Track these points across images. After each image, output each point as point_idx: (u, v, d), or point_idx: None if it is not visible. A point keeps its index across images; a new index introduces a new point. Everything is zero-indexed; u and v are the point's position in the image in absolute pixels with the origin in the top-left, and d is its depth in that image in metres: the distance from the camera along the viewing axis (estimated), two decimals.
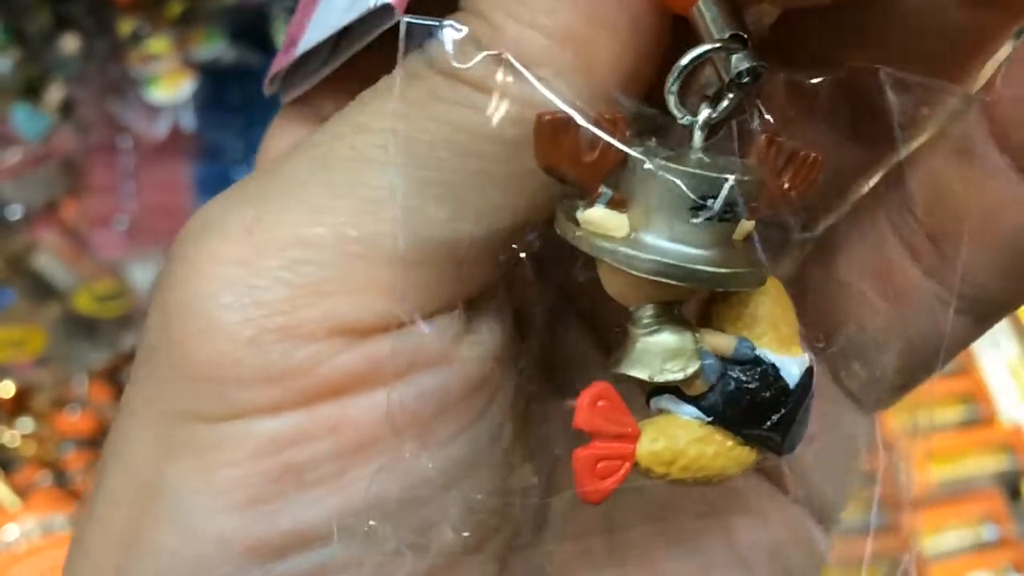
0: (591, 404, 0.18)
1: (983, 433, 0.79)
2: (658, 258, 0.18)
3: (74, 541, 0.20)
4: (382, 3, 0.19)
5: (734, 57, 0.18)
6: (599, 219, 0.18)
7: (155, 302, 0.19)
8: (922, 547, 0.74)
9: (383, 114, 0.18)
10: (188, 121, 0.84)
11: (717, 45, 0.18)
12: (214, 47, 0.82)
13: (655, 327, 0.19)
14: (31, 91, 0.83)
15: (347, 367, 0.19)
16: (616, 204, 0.18)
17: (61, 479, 0.80)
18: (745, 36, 0.18)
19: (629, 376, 0.19)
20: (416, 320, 0.19)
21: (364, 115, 0.19)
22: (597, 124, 0.17)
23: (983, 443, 0.79)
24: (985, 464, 0.78)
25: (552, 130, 0.17)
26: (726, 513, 0.25)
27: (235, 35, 0.82)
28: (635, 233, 0.18)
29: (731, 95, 0.18)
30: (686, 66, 0.18)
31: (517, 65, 0.17)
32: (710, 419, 0.19)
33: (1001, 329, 0.85)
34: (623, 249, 0.18)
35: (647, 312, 0.19)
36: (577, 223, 0.18)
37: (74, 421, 0.86)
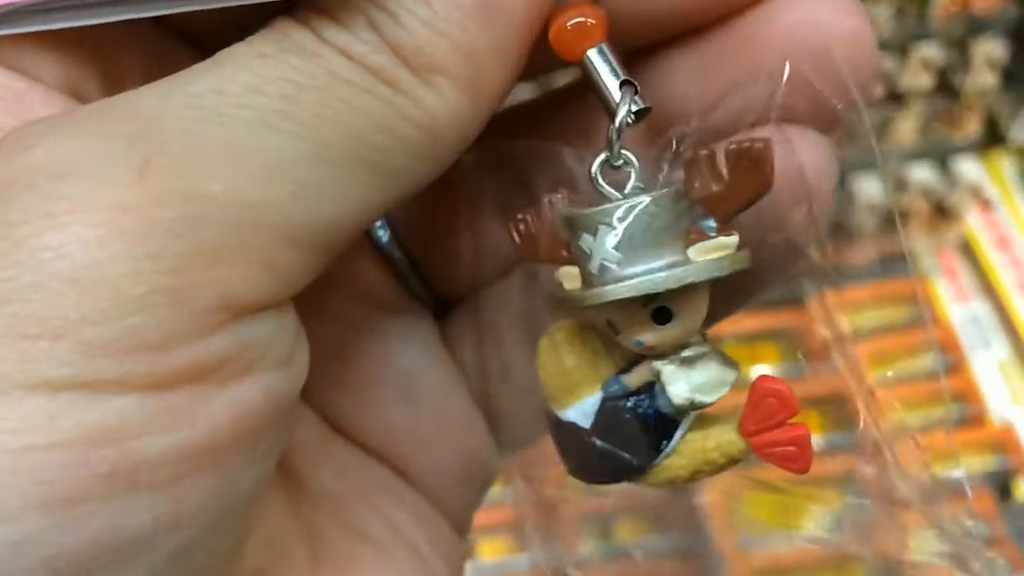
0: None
1: (973, 433, 0.79)
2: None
3: None
4: None
5: (632, 100, 0.20)
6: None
7: None
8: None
9: (278, 81, 0.17)
10: None
11: (636, 96, 0.20)
12: None
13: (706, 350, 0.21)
14: None
15: (220, 349, 0.16)
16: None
17: None
18: (634, 81, 0.20)
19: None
20: (285, 307, 0.18)
21: (253, 75, 0.17)
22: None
23: (973, 442, 0.79)
24: (975, 463, 0.78)
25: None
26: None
27: None
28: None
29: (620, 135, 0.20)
30: (624, 117, 0.20)
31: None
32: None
33: (992, 329, 0.85)
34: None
35: (698, 338, 0.20)
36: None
37: None
